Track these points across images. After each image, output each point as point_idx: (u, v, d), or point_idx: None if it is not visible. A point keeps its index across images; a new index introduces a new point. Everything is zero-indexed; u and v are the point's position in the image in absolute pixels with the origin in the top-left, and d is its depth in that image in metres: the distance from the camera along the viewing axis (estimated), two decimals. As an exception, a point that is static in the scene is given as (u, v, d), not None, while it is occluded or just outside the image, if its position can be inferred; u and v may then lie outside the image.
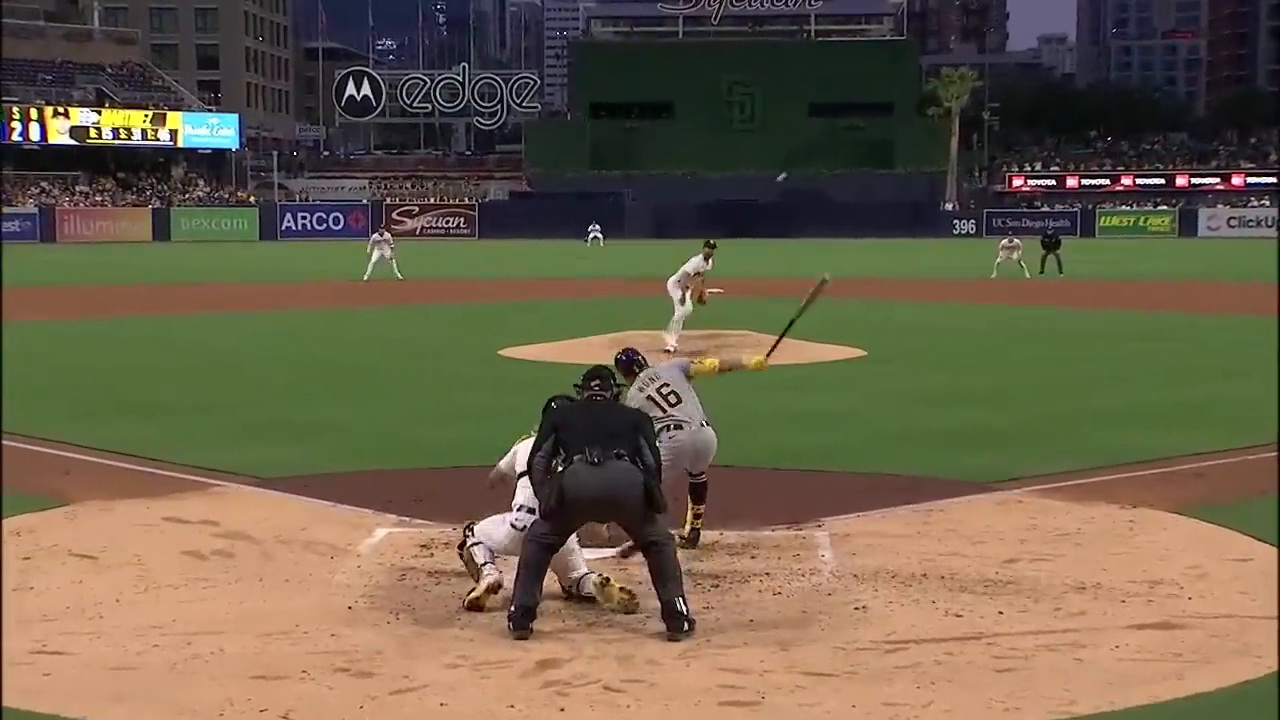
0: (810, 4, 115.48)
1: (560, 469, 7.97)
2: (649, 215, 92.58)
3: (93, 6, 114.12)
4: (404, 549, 9.81)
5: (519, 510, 8.46)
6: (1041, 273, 46.44)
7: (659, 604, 7.88)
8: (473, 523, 8.84)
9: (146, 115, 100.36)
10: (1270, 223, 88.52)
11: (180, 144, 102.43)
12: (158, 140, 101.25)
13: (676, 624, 7.73)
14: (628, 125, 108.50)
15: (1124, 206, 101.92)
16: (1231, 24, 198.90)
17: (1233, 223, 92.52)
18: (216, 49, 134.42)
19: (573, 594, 8.44)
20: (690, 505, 9.93)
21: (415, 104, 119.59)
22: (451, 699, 6.78)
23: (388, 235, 46.81)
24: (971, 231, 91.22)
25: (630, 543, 8.98)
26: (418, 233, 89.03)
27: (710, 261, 23.86)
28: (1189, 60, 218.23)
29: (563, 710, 6.64)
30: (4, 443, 12.87)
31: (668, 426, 9.64)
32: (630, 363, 10.22)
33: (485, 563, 8.72)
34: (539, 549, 7.99)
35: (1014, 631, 7.79)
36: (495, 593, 8.52)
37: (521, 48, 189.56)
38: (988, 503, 11.36)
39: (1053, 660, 7.31)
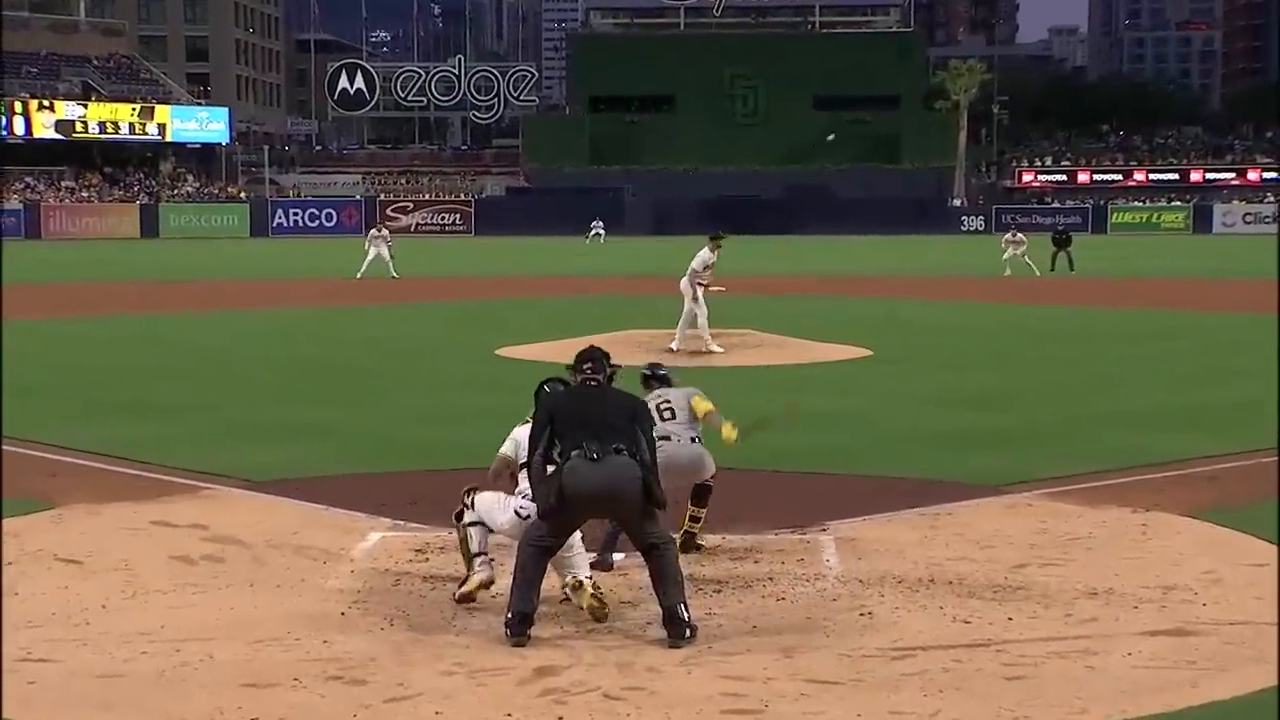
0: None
1: (559, 465, 7.95)
2: (649, 211, 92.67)
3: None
4: (398, 553, 9.81)
5: (526, 498, 8.42)
6: (1052, 270, 46.45)
7: (659, 609, 7.89)
8: (474, 489, 8.83)
9: (134, 108, 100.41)
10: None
11: (169, 138, 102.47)
12: (146, 134, 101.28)
13: (678, 630, 7.73)
14: (627, 119, 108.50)
15: (1136, 202, 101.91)
16: (1247, 15, 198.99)
17: (1248, 219, 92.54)
18: (206, 41, 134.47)
19: (570, 597, 8.43)
20: (689, 507, 9.93)
21: (410, 97, 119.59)
22: (447, 707, 6.78)
23: (385, 232, 46.88)
24: (980, 228, 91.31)
25: (598, 553, 9.12)
26: (412, 229, 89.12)
27: (717, 254, 23.78)
28: (1203, 52, 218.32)
29: (561, 719, 6.65)
30: (-12, 444, 12.88)
31: (667, 436, 9.63)
32: (651, 377, 10.38)
33: (479, 554, 8.74)
34: (537, 553, 7.98)
35: (1024, 638, 7.79)
36: (487, 588, 8.54)
37: (519, 40, 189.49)
38: (997, 506, 11.36)
39: (1063, 668, 7.31)
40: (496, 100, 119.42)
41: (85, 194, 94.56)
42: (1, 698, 6.82)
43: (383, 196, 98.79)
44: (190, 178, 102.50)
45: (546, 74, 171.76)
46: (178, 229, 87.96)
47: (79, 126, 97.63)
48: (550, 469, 7.99)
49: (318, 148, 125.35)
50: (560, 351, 21.97)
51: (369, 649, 7.63)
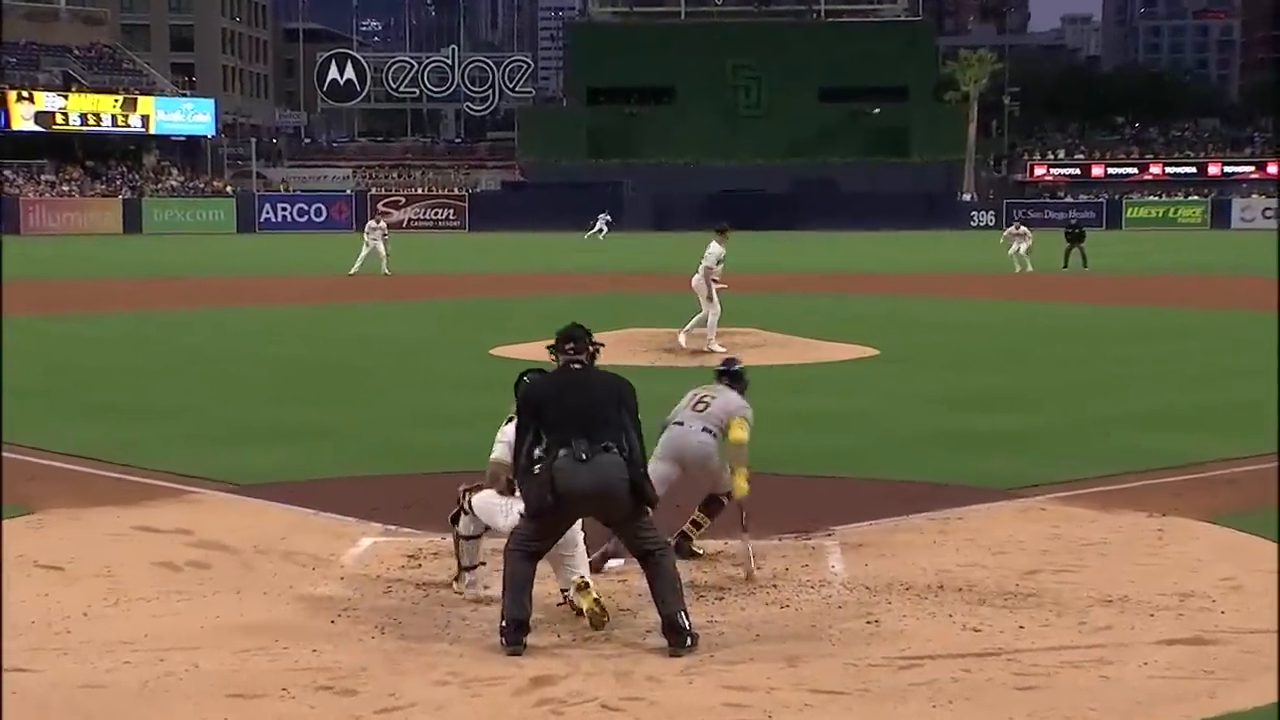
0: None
1: (547, 462, 7.88)
2: (649, 207, 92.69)
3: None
4: (390, 559, 9.81)
5: None
6: (1065, 266, 46.48)
7: (659, 617, 7.89)
8: (471, 489, 8.82)
9: (116, 100, 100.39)
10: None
11: (152, 130, 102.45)
12: (128, 126, 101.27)
13: (679, 639, 7.73)
14: (627, 111, 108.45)
15: (1152, 197, 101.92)
16: (1267, 2, 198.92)
17: (1268, 214, 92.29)
18: (191, 30, 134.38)
19: (568, 602, 8.44)
20: (695, 511, 9.98)
21: (402, 88, 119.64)
22: (440, 718, 6.78)
23: (384, 224, 46.98)
24: (990, 224, 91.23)
25: (600, 553, 9.14)
26: (405, 225, 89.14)
27: (724, 247, 23.77)
28: (1221, 41, 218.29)
29: (558, 730, 6.64)
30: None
31: (681, 422, 9.99)
32: (724, 373, 10.49)
33: (470, 567, 8.76)
34: (523, 558, 7.97)
35: (1036, 647, 7.79)
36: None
37: (514, 29, 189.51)
38: (1008, 510, 11.36)
39: (1077, 678, 7.31)
40: (491, 92, 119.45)
41: (66, 188, 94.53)
42: (1, 700, 6.83)
43: (374, 191, 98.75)
44: (175, 171, 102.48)
45: (543, 65, 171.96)
46: (162, 224, 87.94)
47: (59, 118, 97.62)
48: (538, 465, 7.93)
49: (306, 141, 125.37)
50: (557, 351, 22.00)
51: (360, 658, 7.63)
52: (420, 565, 9.64)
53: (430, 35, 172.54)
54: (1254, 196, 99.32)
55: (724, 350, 22.52)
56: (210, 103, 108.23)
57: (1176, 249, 63.01)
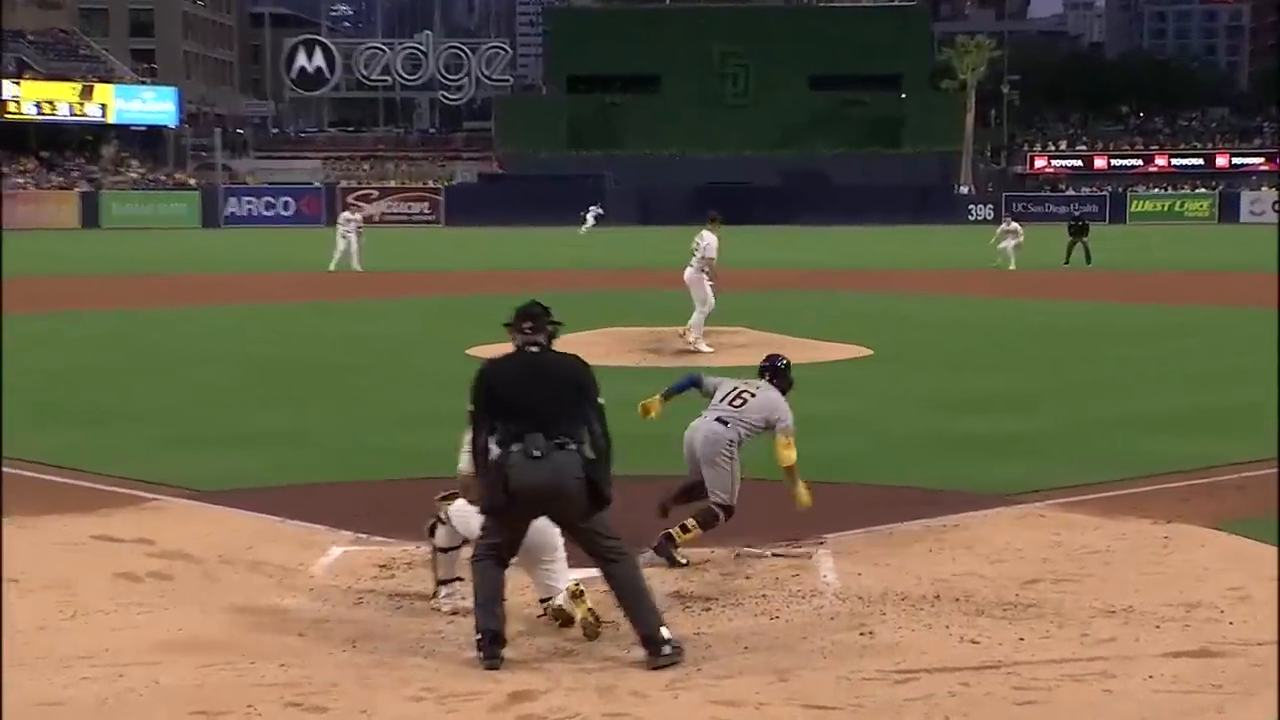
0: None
1: (502, 455, 7.85)
2: (633, 200, 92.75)
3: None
4: (361, 569, 9.80)
5: None
6: (1066, 262, 46.58)
7: (634, 633, 7.89)
8: (448, 496, 8.81)
9: (73, 88, 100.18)
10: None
11: (111, 120, 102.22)
12: (85, 116, 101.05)
13: (657, 651, 7.71)
14: (609, 100, 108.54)
15: (1158, 190, 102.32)
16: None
17: (1277, 208, 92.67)
18: (151, 14, 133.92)
19: (549, 612, 8.43)
20: (690, 517, 10.08)
21: (373, 76, 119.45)
22: (414, 736, 6.78)
23: (358, 216, 46.95)
24: (988, 218, 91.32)
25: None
26: (377, 219, 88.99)
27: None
28: (1230, 27, 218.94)
29: (537, 748, 6.65)
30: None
31: (704, 412, 10.32)
32: (767, 369, 10.66)
33: (447, 580, 8.76)
34: (491, 565, 7.94)
35: (1036, 660, 7.81)
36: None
37: (491, 14, 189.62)
38: (1007, 517, 11.39)
39: (1079, 692, 7.33)
40: (467, 80, 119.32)
41: (20, 180, 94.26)
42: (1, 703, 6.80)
43: (344, 183, 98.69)
44: (135, 163, 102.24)
45: (522, 52, 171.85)
46: (121, 219, 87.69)
47: (13, 107, 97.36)
48: (494, 456, 7.91)
49: (274, 131, 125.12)
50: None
51: (330, 673, 7.61)
52: (393, 575, 9.63)
53: (403, 20, 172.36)
54: (1264, 189, 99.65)
55: (711, 350, 22.56)
56: (172, 91, 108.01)
57: (1183, 244, 63.19)
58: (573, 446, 7.85)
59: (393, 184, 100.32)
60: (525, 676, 7.56)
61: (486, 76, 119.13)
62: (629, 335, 24.82)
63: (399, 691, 7.33)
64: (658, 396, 10.75)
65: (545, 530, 8.26)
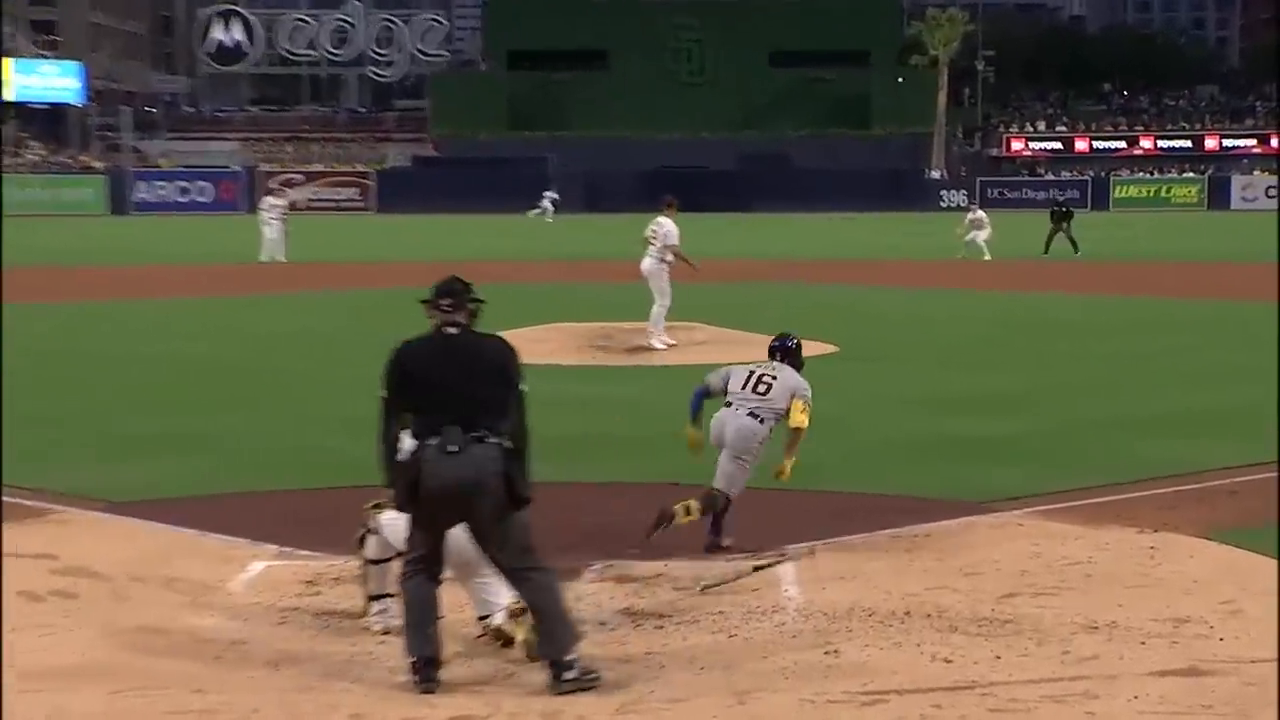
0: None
1: (416, 449, 7.75)
2: (579, 185, 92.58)
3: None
4: (285, 586, 9.76)
5: None
6: (1045, 252, 46.78)
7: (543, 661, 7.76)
8: (379, 505, 8.76)
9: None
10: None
11: (8, 97, 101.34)
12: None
13: (559, 675, 7.61)
14: (553, 78, 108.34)
15: (1143, 174, 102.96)
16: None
17: (1271, 193, 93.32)
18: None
19: (488, 632, 8.41)
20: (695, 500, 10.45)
21: (297, 51, 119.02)
22: (342, 766, 6.76)
23: (282, 202, 46.72)
24: (962, 204, 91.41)
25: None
26: (303, 206, 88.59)
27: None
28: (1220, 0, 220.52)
29: (477, 779, 6.64)
30: None
31: (730, 402, 10.73)
32: (778, 349, 11.13)
33: (379, 596, 8.73)
34: (422, 581, 7.85)
35: (1013, 680, 7.84)
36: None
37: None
38: (983, 526, 11.44)
39: (1059, 713, 7.36)
40: (400, 55, 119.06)
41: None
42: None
43: (266, 167, 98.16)
44: (35, 145, 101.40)
45: (459, 25, 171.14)
46: (20, 205, 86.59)
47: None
48: (408, 449, 7.81)
49: (188, 110, 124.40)
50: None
51: (250, 698, 7.57)
52: (320, 592, 9.60)
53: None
54: (1256, 173, 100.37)
55: (666, 346, 22.59)
56: (75, 66, 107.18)
57: (1170, 232, 63.59)
58: (492, 440, 7.73)
59: (319, 168, 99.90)
60: (463, 701, 7.54)
61: (420, 51, 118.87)
62: (577, 331, 24.81)
63: (325, 718, 7.30)
64: (689, 428, 11.10)
65: None
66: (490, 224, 72.05)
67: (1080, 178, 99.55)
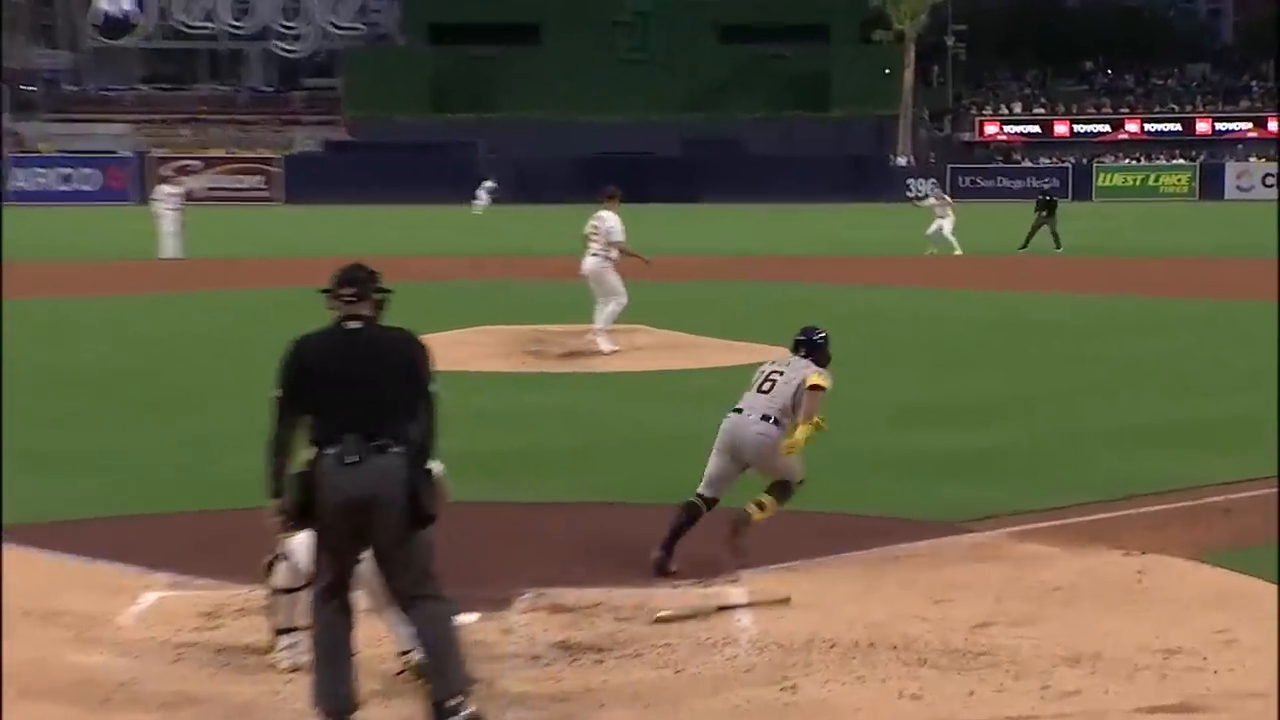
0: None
1: (314, 459, 7.63)
2: (510, 173, 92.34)
3: None
4: (181, 618, 9.69)
5: None
6: (1024, 246, 46.87)
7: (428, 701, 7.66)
8: (290, 527, 8.68)
9: None
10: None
11: None
12: None
13: None
14: (481, 54, 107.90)
15: (1129, 160, 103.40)
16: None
17: (1269, 181, 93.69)
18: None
19: (408, 669, 8.36)
20: (764, 493, 10.89)
21: (194, 23, 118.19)
22: (247, 819, 6.72)
23: (179, 191, 46.45)
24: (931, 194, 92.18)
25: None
26: (201, 196, 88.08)
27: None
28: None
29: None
30: None
31: (740, 408, 10.80)
32: (803, 342, 11.32)
33: (288, 629, 8.69)
34: (333, 611, 7.73)
35: (989, 717, 7.87)
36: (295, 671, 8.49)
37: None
38: (955, 548, 11.48)
39: (1039, 754, 7.39)
40: (309, 28, 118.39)
41: None
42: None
43: (159, 152, 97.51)
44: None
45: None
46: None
47: None
48: (303, 459, 7.68)
49: (71, 89, 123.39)
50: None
51: (143, 745, 7.53)
52: (221, 625, 9.54)
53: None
54: (1252, 160, 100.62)
55: (612, 350, 22.60)
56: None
57: (1159, 224, 63.99)
58: (397, 449, 7.61)
59: (218, 153, 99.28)
60: (381, 746, 7.52)
61: (332, 24, 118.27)
62: (507, 334, 24.77)
63: (228, 766, 7.27)
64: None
65: None
66: (411, 216, 71.86)
67: (1060, 165, 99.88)
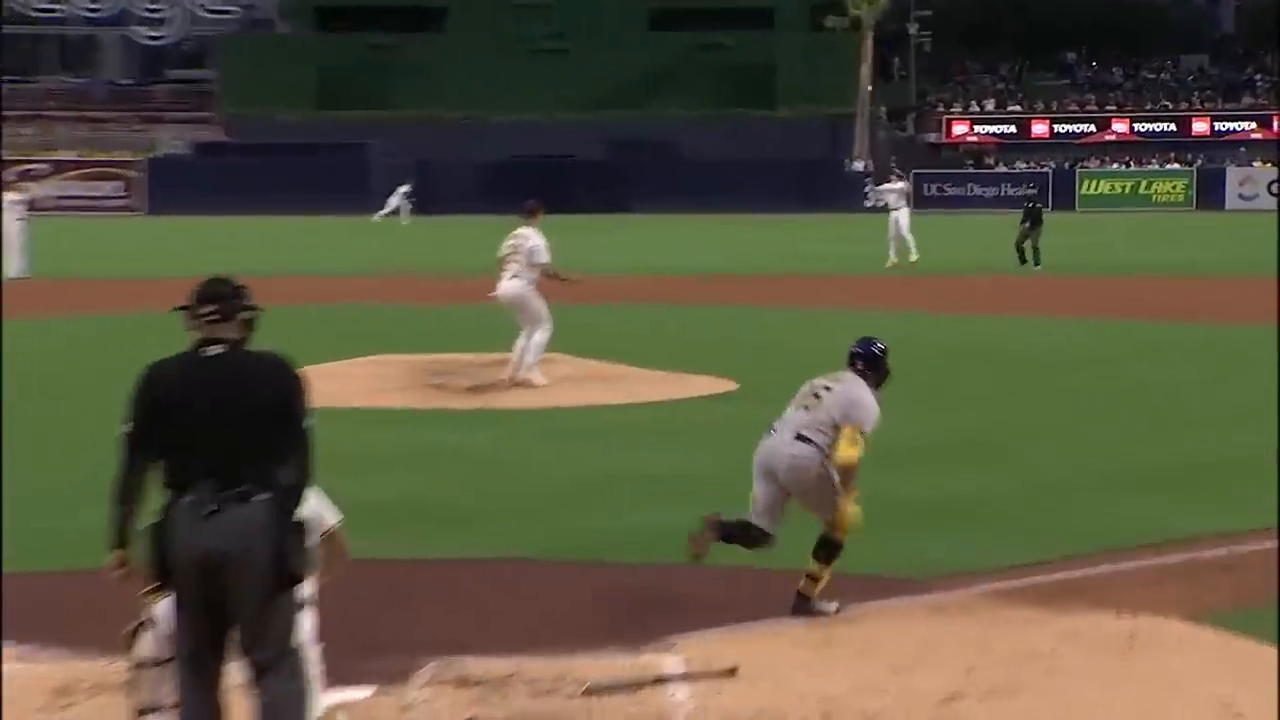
0: None
1: (165, 508, 7.49)
2: (408, 179, 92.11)
3: None
4: (26, 696, 9.62)
5: None
6: (1022, 262, 46.67)
7: None
8: (157, 591, 8.61)
9: None
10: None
11: None
12: None
13: None
14: (375, 43, 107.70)
15: (1116, 165, 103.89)
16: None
17: (1275, 189, 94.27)
18: None
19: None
20: (810, 561, 10.94)
21: (40, 4, 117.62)
22: None
23: (24, 198, 46.12)
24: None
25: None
26: (48, 205, 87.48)
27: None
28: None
29: None
30: None
31: (771, 428, 10.93)
32: (860, 355, 11.69)
33: (152, 708, 8.62)
34: (194, 686, 7.64)
35: (960, 803, 7.90)
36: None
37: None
38: (920, 610, 11.51)
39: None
40: (175, 11, 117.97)
41: None
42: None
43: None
44: None
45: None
46: None
47: None
48: (156, 509, 7.54)
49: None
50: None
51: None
52: (73, 703, 9.48)
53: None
54: (1256, 165, 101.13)
55: (546, 383, 22.58)
56: None
57: (1151, 238, 64.36)
58: (261, 496, 7.44)
59: (69, 156, 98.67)
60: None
61: (202, 7, 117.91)
62: (406, 364, 24.70)
63: None
64: None
65: None
66: (295, 228, 71.59)
67: (1039, 170, 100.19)
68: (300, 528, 7.56)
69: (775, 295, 39.22)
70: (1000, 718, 9.13)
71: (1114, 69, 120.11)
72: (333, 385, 19.56)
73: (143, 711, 8.70)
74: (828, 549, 11.01)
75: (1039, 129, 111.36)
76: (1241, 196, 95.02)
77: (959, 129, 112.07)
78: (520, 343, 23.12)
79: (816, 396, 11.22)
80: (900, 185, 50.03)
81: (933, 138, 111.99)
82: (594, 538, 12.58)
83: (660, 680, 9.86)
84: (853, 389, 11.12)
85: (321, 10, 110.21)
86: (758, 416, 20.12)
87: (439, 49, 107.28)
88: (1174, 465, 17.02)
